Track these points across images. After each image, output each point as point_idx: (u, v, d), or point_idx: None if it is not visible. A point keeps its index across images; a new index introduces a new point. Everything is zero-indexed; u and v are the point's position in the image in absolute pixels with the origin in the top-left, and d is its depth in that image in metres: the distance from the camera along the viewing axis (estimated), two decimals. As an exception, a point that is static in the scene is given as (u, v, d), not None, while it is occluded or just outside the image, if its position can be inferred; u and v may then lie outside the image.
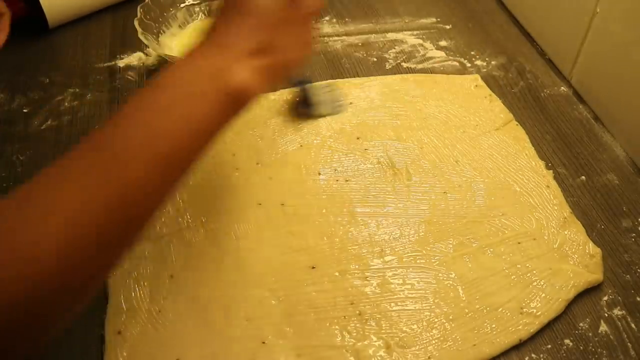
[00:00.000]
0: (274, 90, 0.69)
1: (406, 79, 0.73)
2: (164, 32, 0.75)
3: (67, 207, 0.34)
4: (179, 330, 0.50)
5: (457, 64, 0.77)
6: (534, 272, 0.54)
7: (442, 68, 0.76)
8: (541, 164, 0.63)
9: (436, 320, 0.51)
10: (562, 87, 0.74)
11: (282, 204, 0.59)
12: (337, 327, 0.50)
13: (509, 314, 0.51)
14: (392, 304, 0.51)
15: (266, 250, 0.55)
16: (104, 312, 0.51)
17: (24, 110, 0.69)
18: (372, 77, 0.73)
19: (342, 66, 0.76)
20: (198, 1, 0.78)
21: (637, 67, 0.63)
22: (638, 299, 0.53)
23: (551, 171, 0.63)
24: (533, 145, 0.65)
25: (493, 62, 0.77)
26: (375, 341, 0.49)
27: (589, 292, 0.53)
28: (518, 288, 0.53)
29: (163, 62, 0.76)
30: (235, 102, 0.42)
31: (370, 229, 0.57)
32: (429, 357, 0.48)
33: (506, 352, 0.49)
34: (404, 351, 0.49)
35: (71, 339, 0.49)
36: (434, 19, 0.84)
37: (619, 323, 0.51)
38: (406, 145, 0.65)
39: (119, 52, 0.77)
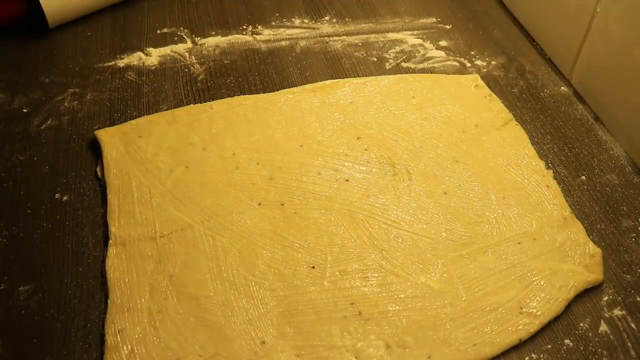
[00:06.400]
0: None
1: (406, 79, 0.73)
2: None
3: None
4: (179, 330, 0.50)
5: (457, 64, 0.77)
6: (534, 272, 0.54)
7: (442, 68, 0.76)
8: (541, 164, 0.63)
9: (436, 320, 0.51)
10: (562, 87, 0.74)
11: (282, 204, 0.59)
12: (337, 327, 0.50)
13: (509, 314, 0.51)
14: (392, 304, 0.51)
15: (266, 250, 0.55)
16: (104, 312, 0.51)
17: (24, 110, 0.69)
18: (372, 77, 0.73)
19: (342, 66, 0.76)
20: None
21: (637, 67, 0.63)
22: (638, 299, 0.53)
23: (551, 171, 0.63)
24: (533, 145, 0.65)
25: (493, 62, 0.77)
26: (375, 341, 0.49)
27: (589, 292, 0.53)
28: (518, 288, 0.53)
29: (163, 62, 0.76)
30: None
31: (370, 228, 0.57)
32: (429, 357, 0.48)
33: (506, 352, 0.49)
34: (404, 351, 0.49)
35: (71, 339, 0.50)
36: (434, 19, 0.84)
37: (619, 323, 0.51)
38: (406, 145, 0.65)
39: (119, 52, 0.77)
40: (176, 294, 0.52)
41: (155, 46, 0.78)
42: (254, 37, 0.81)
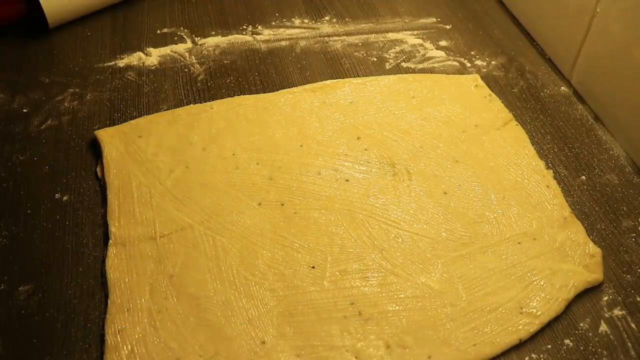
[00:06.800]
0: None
1: (406, 79, 0.73)
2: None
3: None
4: (179, 330, 0.50)
5: (457, 64, 0.77)
6: (534, 272, 0.54)
7: (442, 68, 0.76)
8: (541, 163, 0.63)
9: (436, 320, 0.51)
10: (562, 87, 0.74)
11: (282, 204, 0.59)
12: (337, 327, 0.50)
13: (508, 314, 0.51)
14: (392, 304, 0.51)
15: (266, 250, 0.55)
16: (104, 312, 0.51)
17: (24, 110, 0.69)
18: (372, 77, 0.73)
19: (342, 66, 0.76)
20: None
21: (637, 67, 0.63)
22: (638, 299, 0.53)
23: (551, 171, 0.63)
24: (533, 145, 0.65)
25: (493, 62, 0.77)
26: (375, 341, 0.49)
27: (589, 292, 0.53)
28: (518, 288, 0.53)
29: (163, 62, 0.76)
30: None
31: (370, 228, 0.57)
32: (429, 357, 0.48)
33: (506, 352, 0.49)
34: (404, 351, 0.49)
35: (71, 339, 0.50)
36: (434, 19, 0.84)
37: (619, 323, 0.51)
38: (406, 145, 0.65)
39: (119, 52, 0.77)
40: (176, 294, 0.52)
41: (155, 46, 0.78)
42: (254, 37, 0.81)
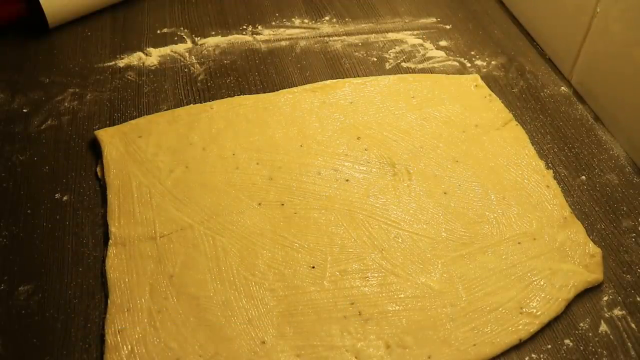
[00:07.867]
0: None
1: (406, 79, 0.73)
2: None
3: None
4: (179, 330, 0.50)
5: (457, 64, 0.77)
6: (534, 272, 0.54)
7: (442, 68, 0.76)
8: (541, 164, 0.63)
9: (436, 320, 0.51)
10: (562, 87, 0.74)
11: (282, 204, 0.59)
12: (337, 327, 0.50)
13: (509, 314, 0.51)
14: (392, 304, 0.51)
15: (266, 250, 0.55)
16: (104, 312, 0.51)
17: (24, 110, 0.69)
18: (372, 77, 0.73)
19: (342, 66, 0.76)
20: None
21: (637, 67, 0.63)
22: (638, 299, 0.53)
23: (551, 171, 0.63)
24: (533, 145, 0.65)
25: (493, 62, 0.77)
26: (375, 341, 0.49)
27: (589, 292, 0.53)
28: (518, 288, 0.53)
29: (163, 62, 0.76)
30: None
31: (370, 228, 0.57)
32: (429, 357, 0.48)
33: (506, 352, 0.49)
34: (404, 351, 0.49)
35: (71, 339, 0.50)
36: (434, 19, 0.84)
37: (619, 323, 0.51)
38: (406, 145, 0.65)
39: (119, 52, 0.77)
40: (176, 294, 0.52)
41: (155, 46, 0.78)
42: (254, 37, 0.81)
